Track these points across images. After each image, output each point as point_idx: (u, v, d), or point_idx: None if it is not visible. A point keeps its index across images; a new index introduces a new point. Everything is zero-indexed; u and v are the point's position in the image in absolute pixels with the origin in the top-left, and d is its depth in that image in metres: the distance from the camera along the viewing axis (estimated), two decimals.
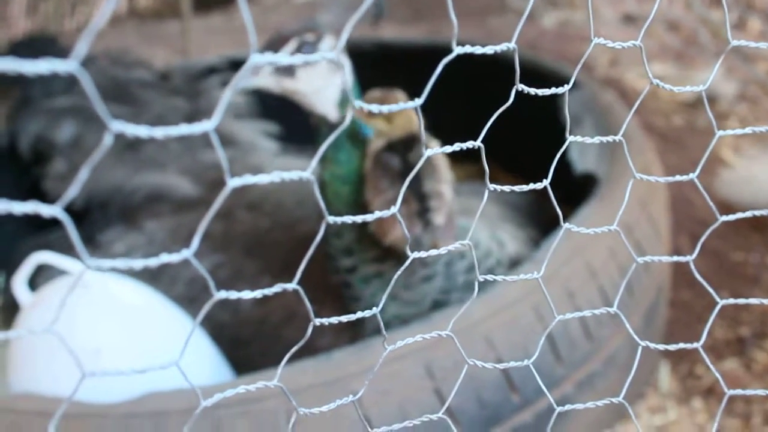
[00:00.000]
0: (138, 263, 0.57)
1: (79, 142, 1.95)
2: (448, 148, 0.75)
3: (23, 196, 1.98)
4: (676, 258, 0.89)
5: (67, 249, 1.64)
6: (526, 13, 0.76)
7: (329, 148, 1.51)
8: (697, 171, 0.86)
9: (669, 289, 1.85)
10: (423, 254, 0.77)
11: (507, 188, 0.80)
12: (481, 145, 0.75)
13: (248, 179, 0.60)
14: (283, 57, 0.62)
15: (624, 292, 1.56)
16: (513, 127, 1.57)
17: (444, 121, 1.60)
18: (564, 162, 1.77)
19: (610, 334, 1.53)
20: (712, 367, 0.88)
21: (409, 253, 0.76)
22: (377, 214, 0.71)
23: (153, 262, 0.57)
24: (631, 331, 0.86)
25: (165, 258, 0.58)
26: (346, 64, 1.54)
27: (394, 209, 0.71)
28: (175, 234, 1.81)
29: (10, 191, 2.00)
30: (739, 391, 0.92)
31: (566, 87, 0.79)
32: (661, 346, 0.88)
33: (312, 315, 0.69)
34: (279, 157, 2.09)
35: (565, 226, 0.84)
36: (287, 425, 1.22)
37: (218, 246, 1.75)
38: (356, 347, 1.33)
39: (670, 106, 2.90)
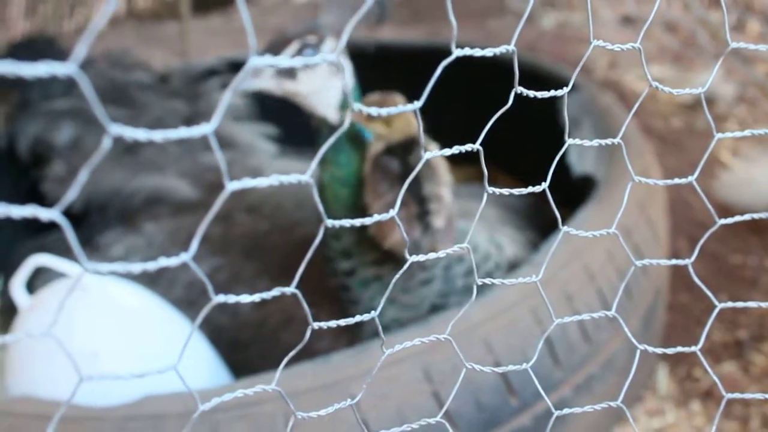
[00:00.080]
0: (136, 267, 0.57)
1: (78, 145, 1.95)
2: (447, 151, 0.75)
3: (22, 199, 1.98)
4: (674, 261, 0.88)
5: (66, 251, 1.64)
6: (525, 15, 0.76)
7: (329, 151, 1.51)
8: (696, 174, 0.86)
9: (667, 292, 1.85)
10: (422, 258, 0.77)
11: (506, 191, 0.79)
12: (480, 148, 0.75)
13: (247, 182, 0.60)
14: (283, 59, 0.62)
15: (622, 295, 1.56)
16: (512, 128, 1.57)
17: (443, 123, 1.60)
18: (563, 164, 1.77)
19: (609, 337, 1.53)
20: (710, 370, 0.87)
21: (407, 256, 0.76)
22: (376, 217, 0.71)
23: (151, 265, 0.57)
24: (629, 334, 0.86)
25: (163, 262, 0.57)
26: (347, 66, 1.54)
27: (392, 212, 0.71)
28: (174, 236, 1.81)
29: (9, 194, 2.01)
30: (737, 395, 0.92)
31: (565, 90, 0.79)
32: (660, 350, 0.88)
33: (310, 319, 0.69)
34: (278, 160, 2.09)
35: (564, 229, 0.84)
36: (285, 429, 1.22)
37: (217, 249, 1.74)
38: (354, 350, 1.32)
39: (668, 108, 2.90)
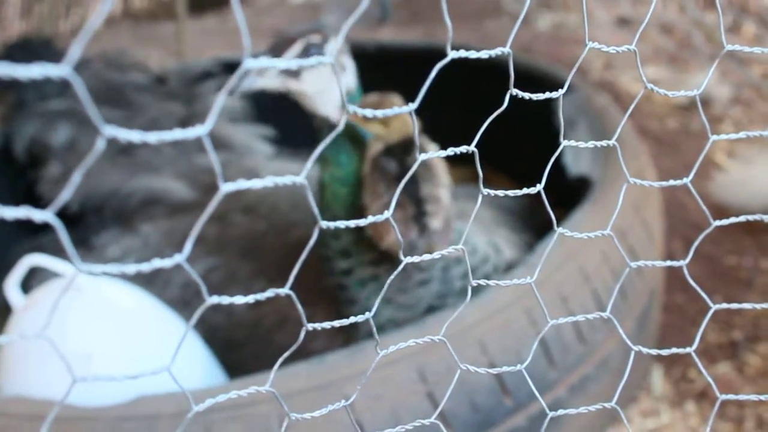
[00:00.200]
0: (130, 268, 0.57)
1: (75, 146, 1.95)
2: (442, 153, 0.75)
3: (18, 200, 1.98)
4: (669, 263, 0.89)
5: (61, 251, 1.64)
6: (521, 16, 0.76)
7: (330, 150, 1.52)
8: (691, 176, 0.86)
9: (662, 292, 1.86)
10: (416, 259, 0.77)
11: (501, 193, 0.80)
12: (475, 150, 0.75)
13: (241, 184, 0.60)
14: (277, 61, 0.62)
15: (617, 296, 1.56)
16: (508, 129, 1.57)
17: (440, 123, 1.60)
18: (558, 165, 1.77)
19: (603, 338, 1.53)
20: (704, 372, 0.88)
21: (402, 257, 0.76)
22: (370, 219, 0.71)
23: (145, 267, 0.57)
24: (624, 336, 0.86)
25: (157, 263, 0.57)
26: (350, 66, 1.55)
27: (387, 214, 0.71)
28: (170, 237, 1.81)
29: (4, 195, 2.00)
30: (731, 396, 0.92)
31: (560, 91, 0.79)
32: (654, 351, 0.88)
33: (305, 320, 0.69)
34: (274, 161, 2.09)
35: (559, 230, 0.84)
36: (279, 429, 1.22)
37: (213, 249, 1.74)
38: (349, 351, 1.32)
39: (664, 109, 2.90)
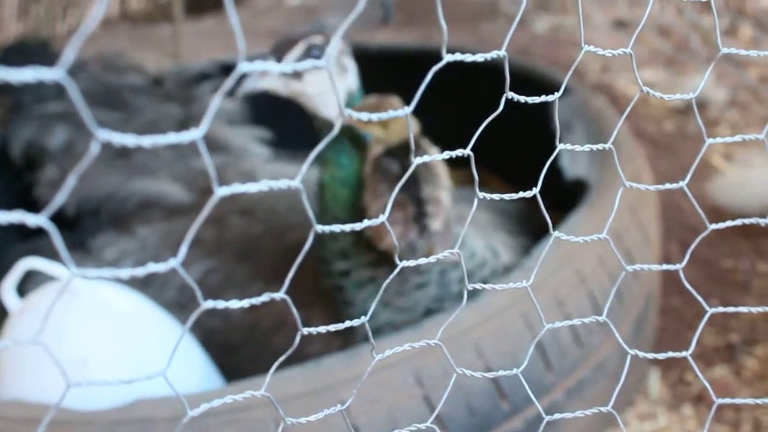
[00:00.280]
0: (124, 273, 0.57)
1: (72, 148, 1.94)
2: (438, 156, 0.75)
3: (15, 203, 1.97)
4: (665, 266, 0.89)
5: (58, 254, 1.63)
6: (518, 19, 0.76)
7: (331, 151, 1.52)
8: (687, 179, 0.86)
9: (659, 296, 1.86)
10: (412, 263, 0.77)
11: (497, 196, 0.79)
12: (471, 154, 0.75)
13: (237, 188, 0.60)
14: (272, 64, 0.61)
15: (614, 300, 1.56)
16: (504, 131, 1.57)
17: (437, 126, 1.60)
18: (555, 168, 1.77)
19: (600, 341, 1.53)
20: (701, 376, 0.88)
21: (397, 261, 0.75)
22: (366, 222, 0.71)
23: (140, 271, 0.57)
24: (620, 340, 0.86)
25: (152, 267, 0.57)
26: (352, 67, 1.55)
27: (382, 218, 0.71)
28: (167, 240, 1.81)
29: (1, 198, 2.00)
30: (728, 400, 0.92)
31: (556, 95, 0.79)
32: (651, 355, 0.88)
33: (300, 325, 0.69)
34: (272, 163, 2.09)
35: (555, 234, 0.84)
36: None
37: (210, 252, 1.74)
38: (345, 354, 1.32)
39: (660, 112, 2.90)
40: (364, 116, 0.66)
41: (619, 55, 0.80)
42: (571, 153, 1.81)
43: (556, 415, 0.86)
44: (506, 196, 0.80)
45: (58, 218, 0.54)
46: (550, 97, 0.78)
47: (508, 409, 1.38)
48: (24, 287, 1.56)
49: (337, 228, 0.68)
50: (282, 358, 0.72)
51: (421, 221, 1.41)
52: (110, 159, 1.93)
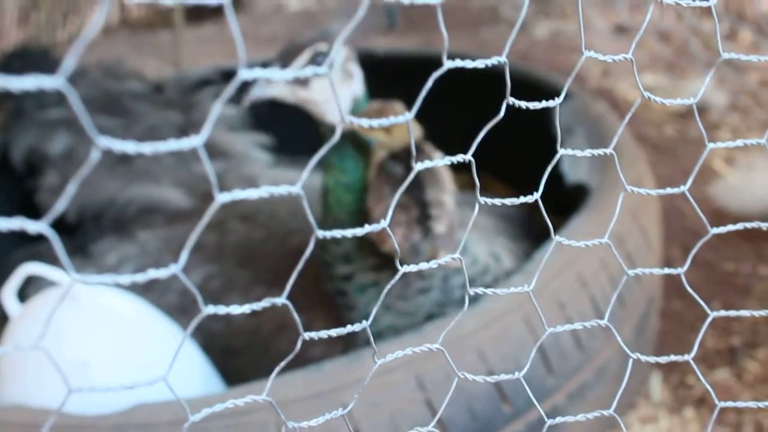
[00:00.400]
0: (125, 279, 0.57)
1: (73, 155, 1.95)
2: (440, 162, 0.75)
3: (15, 209, 1.98)
4: (667, 270, 0.89)
5: (58, 260, 1.64)
6: (518, 25, 0.76)
7: (335, 157, 1.53)
8: (689, 183, 0.86)
9: (660, 299, 1.86)
10: (414, 267, 0.77)
11: (498, 201, 0.80)
12: (472, 159, 0.75)
13: (237, 194, 0.60)
14: (274, 72, 0.62)
15: (615, 303, 1.56)
16: (505, 135, 1.57)
17: (438, 131, 1.61)
18: (556, 172, 1.77)
19: (602, 345, 1.53)
20: (703, 379, 0.88)
21: (399, 266, 0.76)
22: (367, 228, 0.71)
23: (140, 277, 0.57)
24: (622, 344, 0.86)
25: (152, 273, 0.57)
26: (357, 73, 1.56)
27: (384, 223, 0.71)
28: (169, 245, 1.81)
29: (2, 204, 2.00)
30: (730, 404, 0.92)
31: (557, 100, 0.79)
32: (653, 359, 0.88)
33: (301, 329, 0.69)
34: (272, 169, 2.09)
35: (556, 238, 0.84)
36: None
37: (211, 257, 1.74)
38: (346, 359, 1.32)
39: (661, 116, 2.91)
40: (365, 122, 0.67)
41: (620, 60, 0.81)
42: (572, 157, 1.81)
43: (558, 419, 0.86)
44: (508, 201, 0.81)
45: (59, 224, 0.55)
46: (551, 103, 0.78)
47: (510, 413, 1.38)
48: (24, 292, 1.57)
49: (337, 234, 0.68)
50: (283, 363, 0.73)
51: (425, 224, 1.41)
52: (111, 165, 1.93)
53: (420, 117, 0.76)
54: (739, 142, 0.90)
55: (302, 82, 1.49)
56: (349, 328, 0.73)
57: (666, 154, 2.69)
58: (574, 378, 1.48)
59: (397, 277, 0.77)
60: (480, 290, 0.82)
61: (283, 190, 0.62)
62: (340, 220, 1.55)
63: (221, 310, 0.63)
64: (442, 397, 1.30)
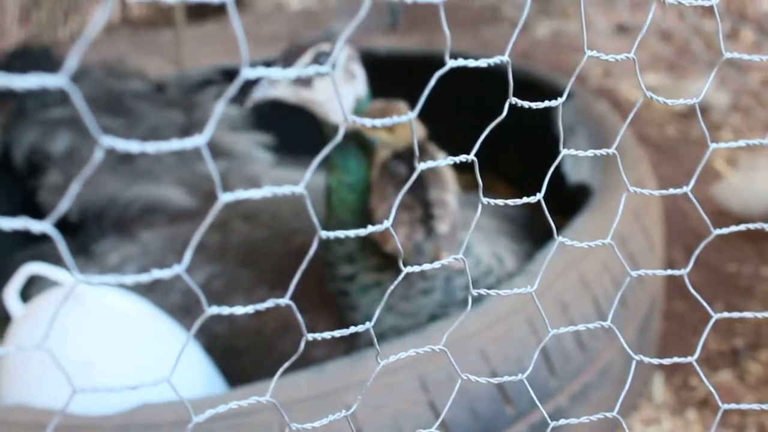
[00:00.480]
0: (128, 279, 0.56)
1: (75, 154, 1.94)
2: (443, 162, 0.75)
3: (18, 209, 1.98)
4: (670, 272, 0.88)
5: (61, 260, 1.63)
6: (520, 25, 0.76)
7: (338, 156, 1.53)
8: (691, 184, 0.86)
9: (663, 300, 1.85)
10: (417, 268, 0.77)
11: (501, 202, 0.79)
12: (475, 159, 0.75)
13: (240, 194, 0.60)
14: (276, 71, 0.62)
15: (618, 304, 1.55)
16: (507, 135, 1.57)
17: (440, 130, 1.60)
18: (558, 172, 1.77)
19: (604, 346, 1.53)
20: (706, 381, 0.87)
21: (402, 266, 0.75)
22: (371, 228, 0.71)
23: (144, 278, 0.57)
24: (626, 346, 0.85)
25: (156, 274, 0.57)
26: (360, 73, 1.56)
27: (387, 223, 0.71)
28: (171, 244, 1.81)
29: (4, 203, 2.00)
30: (733, 406, 0.91)
31: (560, 100, 0.79)
32: (656, 361, 0.87)
33: (305, 330, 0.69)
34: (275, 168, 2.09)
35: (559, 239, 0.84)
36: None
37: (214, 257, 1.74)
38: (350, 359, 1.32)
39: (663, 116, 2.90)
40: (368, 122, 0.66)
41: (622, 59, 0.80)
42: (574, 158, 1.81)
43: (562, 421, 0.86)
44: (510, 202, 0.80)
45: (60, 223, 0.54)
46: (553, 103, 0.78)
47: (512, 414, 1.38)
48: (27, 292, 1.57)
49: (341, 234, 0.68)
50: (287, 365, 0.72)
51: (428, 223, 1.41)
52: (113, 164, 1.93)
53: (421, 117, 0.76)
54: (742, 143, 0.90)
55: (305, 83, 1.49)
56: (352, 329, 0.72)
57: (667, 154, 2.68)
58: (577, 379, 1.48)
59: (401, 277, 0.77)
60: (483, 291, 0.81)
61: (286, 190, 0.62)
62: (343, 220, 1.55)
63: (225, 310, 0.63)
64: (445, 398, 1.30)
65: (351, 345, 1.51)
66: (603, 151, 0.83)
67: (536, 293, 0.83)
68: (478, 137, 0.76)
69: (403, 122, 1.42)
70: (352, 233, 0.69)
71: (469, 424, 1.35)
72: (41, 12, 3.47)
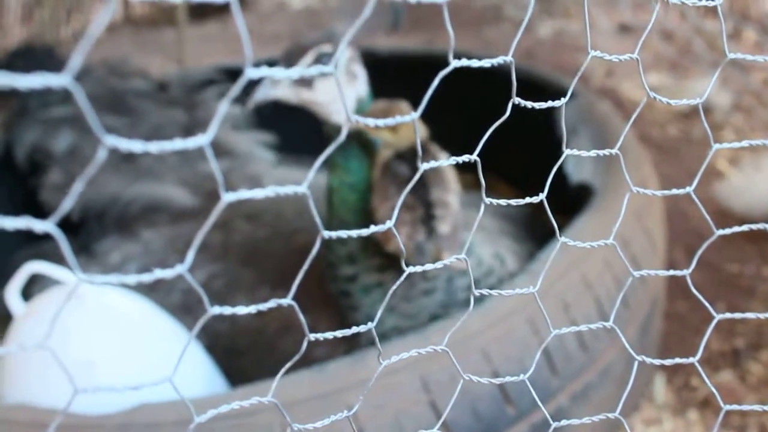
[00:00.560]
0: (131, 279, 0.56)
1: (76, 153, 1.95)
2: (445, 162, 0.75)
3: (19, 208, 1.98)
4: (672, 272, 0.88)
5: (63, 258, 1.64)
6: (524, 25, 0.76)
7: (340, 156, 1.53)
8: (694, 184, 0.86)
9: (664, 300, 1.85)
10: (419, 269, 0.77)
11: (503, 202, 0.79)
12: (478, 159, 0.75)
13: (243, 194, 0.60)
14: (280, 71, 0.62)
15: (619, 305, 1.55)
16: (509, 135, 1.57)
17: (442, 130, 1.60)
18: (560, 172, 1.77)
19: (606, 346, 1.53)
20: (708, 382, 0.87)
21: (404, 266, 0.75)
22: (373, 228, 0.71)
23: (146, 277, 0.57)
24: (627, 346, 0.85)
25: (158, 273, 0.57)
26: (361, 73, 1.56)
27: (389, 223, 0.71)
28: (173, 244, 1.81)
29: (5, 202, 2.00)
30: (735, 407, 0.91)
31: (563, 100, 0.79)
32: (658, 361, 0.87)
33: (307, 330, 0.69)
34: (277, 168, 2.09)
35: (562, 239, 0.84)
36: None
37: (216, 256, 1.74)
38: (351, 359, 1.32)
39: (665, 116, 2.90)
40: (371, 122, 0.66)
41: (625, 60, 0.80)
42: (577, 158, 1.80)
43: (564, 422, 0.86)
44: (513, 202, 0.80)
45: (62, 222, 0.54)
46: (557, 103, 0.78)
47: (514, 415, 1.38)
48: (28, 291, 1.57)
49: (343, 234, 0.68)
50: (289, 364, 0.72)
51: (429, 224, 1.41)
52: (115, 163, 1.93)
53: (423, 117, 0.76)
54: (745, 143, 0.90)
55: (306, 84, 1.49)
56: (354, 329, 0.72)
57: (669, 154, 2.68)
58: (578, 379, 1.48)
59: (403, 277, 0.77)
60: (485, 291, 0.81)
61: (289, 189, 0.62)
62: (344, 220, 1.55)
63: (227, 310, 0.63)
64: (447, 398, 1.30)
65: (352, 345, 1.52)
66: (606, 152, 0.83)
67: (538, 293, 0.83)
68: (480, 137, 0.76)
69: (406, 122, 1.42)
70: (354, 233, 0.69)
71: (471, 425, 1.35)
72: (44, 11, 3.47)
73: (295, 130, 2.02)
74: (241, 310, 0.63)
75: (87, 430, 1.22)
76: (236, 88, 0.61)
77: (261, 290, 1.67)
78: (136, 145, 0.54)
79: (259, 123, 2.17)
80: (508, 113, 0.75)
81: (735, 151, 2.63)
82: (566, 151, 0.82)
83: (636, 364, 0.86)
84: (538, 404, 0.90)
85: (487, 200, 0.77)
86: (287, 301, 0.66)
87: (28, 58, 2.06)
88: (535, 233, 1.81)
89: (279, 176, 1.98)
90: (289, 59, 1.50)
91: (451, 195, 1.43)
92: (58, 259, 1.62)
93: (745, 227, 0.90)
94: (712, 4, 0.83)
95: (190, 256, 0.59)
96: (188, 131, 2.00)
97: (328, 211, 1.58)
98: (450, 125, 1.84)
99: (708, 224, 0.87)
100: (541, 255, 1.54)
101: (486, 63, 0.71)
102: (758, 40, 3.28)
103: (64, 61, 2.06)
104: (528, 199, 0.81)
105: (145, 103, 2.05)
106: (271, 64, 1.52)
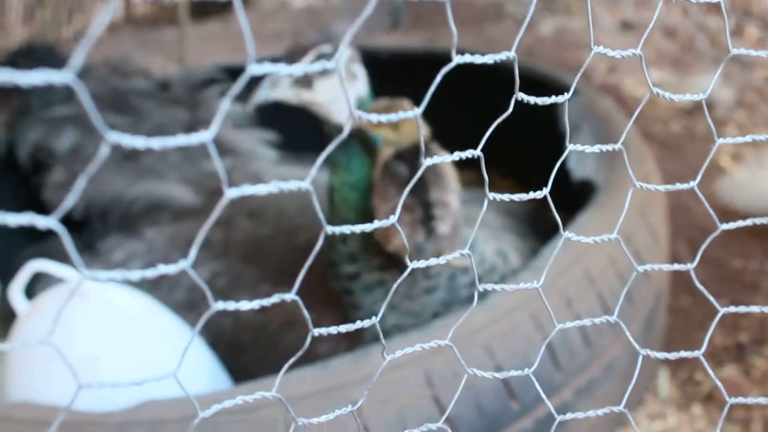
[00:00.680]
0: (134, 275, 0.57)
1: (79, 151, 1.95)
2: (448, 158, 0.75)
3: (22, 206, 1.98)
4: (676, 266, 0.88)
5: (66, 257, 1.64)
6: (526, 22, 0.76)
7: (341, 155, 1.53)
8: (698, 180, 0.86)
9: (668, 295, 1.85)
10: (421, 264, 0.77)
11: (506, 197, 0.79)
12: (481, 155, 0.75)
13: (246, 190, 0.60)
14: (282, 68, 0.62)
15: (623, 300, 1.55)
16: (511, 131, 1.57)
17: (444, 127, 1.60)
18: (562, 168, 1.77)
19: (610, 341, 1.53)
20: (713, 375, 0.87)
21: (408, 263, 0.75)
22: (376, 224, 0.71)
23: (150, 273, 0.57)
24: (632, 340, 0.85)
25: (162, 269, 0.57)
26: (361, 73, 1.56)
27: (392, 219, 0.71)
28: (175, 241, 1.81)
29: (8, 201, 2.00)
30: (740, 399, 0.91)
31: (566, 96, 0.79)
32: (662, 355, 0.87)
33: (311, 326, 0.69)
34: (279, 166, 2.09)
35: (565, 235, 0.84)
36: None
37: (218, 253, 1.75)
38: (355, 355, 1.32)
39: (668, 112, 2.90)
40: (374, 117, 0.66)
41: (628, 56, 0.80)
42: (579, 154, 1.80)
43: (569, 415, 0.86)
44: (516, 197, 0.80)
45: (65, 220, 0.54)
46: (559, 99, 0.78)
47: (518, 410, 1.38)
48: (31, 289, 1.57)
49: (346, 230, 0.68)
50: (292, 360, 0.72)
51: (429, 224, 1.41)
52: (118, 162, 1.93)
53: (425, 115, 0.76)
54: (748, 138, 0.90)
55: (306, 84, 1.49)
56: (359, 324, 0.73)
57: (672, 150, 2.68)
58: (582, 374, 1.48)
59: (406, 273, 0.77)
60: (489, 286, 0.81)
61: (292, 185, 0.62)
62: (345, 218, 1.55)
63: (231, 306, 0.63)
64: (450, 393, 1.30)
65: (355, 342, 1.52)
66: (609, 147, 0.83)
67: (541, 289, 0.83)
68: (482, 135, 0.76)
69: (408, 119, 1.42)
70: (358, 228, 0.69)
71: (475, 419, 1.35)
72: (45, 11, 3.47)
73: (297, 129, 2.02)
74: (245, 305, 0.64)
75: (90, 427, 1.23)
76: (238, 86, 0.61)
77: (263, 287, 1.67)
78: (138, 141, 0.54)
79: (260, 121, 2.17)
80: (510, 109, 0.75)
81: (738, 147, 2.63)
82: (569, 147, 0.82)
83: (640, 358, 0.86)
84: (542, 399, 0.90)
85: (491, 196, 0.77)
86: (291, 296, 0.66)
87: (29, 57, 2.06)
88: (537, 229, 1.81)
89: (281, 174, 1.98)
90: (290, 60, 1.50)
91: (450, 195, 1.43)
92: (61, 257, 1.63)
93: (749, 221, 0.90)
94: (714, 0, 0.83)
95: (194, 251, 0.59)
96: (190, 130, 2.00)
97: (329, 210, 1.58)
98: (452, 123, 1.84)
99: (711, 220, 0.87)
100: (544, 251, 1.54)
101: (489, 59, 0.71)
102: (761, 37, 3.27)
103: (65, 60, 2.07)
104: (531, 195, 0.81)
105: (147, 102, 2.05)
106: (273, 62, 1.52)
